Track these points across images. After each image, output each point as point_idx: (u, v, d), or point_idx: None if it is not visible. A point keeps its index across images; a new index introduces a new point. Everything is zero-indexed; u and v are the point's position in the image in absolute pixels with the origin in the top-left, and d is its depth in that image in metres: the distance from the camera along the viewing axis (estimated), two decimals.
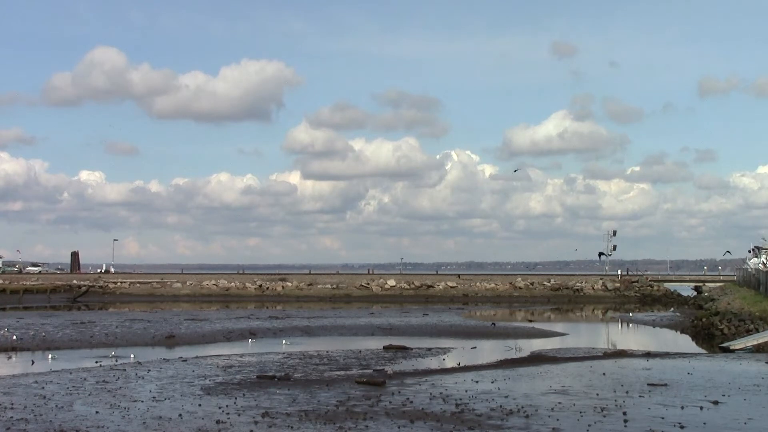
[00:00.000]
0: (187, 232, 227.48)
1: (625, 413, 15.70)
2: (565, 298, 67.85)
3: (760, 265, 60.41)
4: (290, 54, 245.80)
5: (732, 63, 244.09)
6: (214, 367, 23.39)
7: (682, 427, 14.58)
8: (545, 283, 71.24)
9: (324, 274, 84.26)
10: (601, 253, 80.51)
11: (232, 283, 72.03)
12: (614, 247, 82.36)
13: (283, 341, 32.20)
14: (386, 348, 29.12)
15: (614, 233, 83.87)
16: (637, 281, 71.04)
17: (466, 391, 18.51)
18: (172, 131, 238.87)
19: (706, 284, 71.24)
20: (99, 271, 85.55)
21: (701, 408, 16.46)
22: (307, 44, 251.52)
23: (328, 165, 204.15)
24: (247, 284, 71.95)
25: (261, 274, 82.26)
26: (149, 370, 22.53)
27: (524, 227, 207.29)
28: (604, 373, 21.71)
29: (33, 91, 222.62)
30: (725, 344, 30.06)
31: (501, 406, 16.37)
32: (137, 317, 44.61)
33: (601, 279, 71.86)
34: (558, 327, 41.80)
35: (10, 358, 26.97)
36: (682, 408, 16.42)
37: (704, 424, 14.92)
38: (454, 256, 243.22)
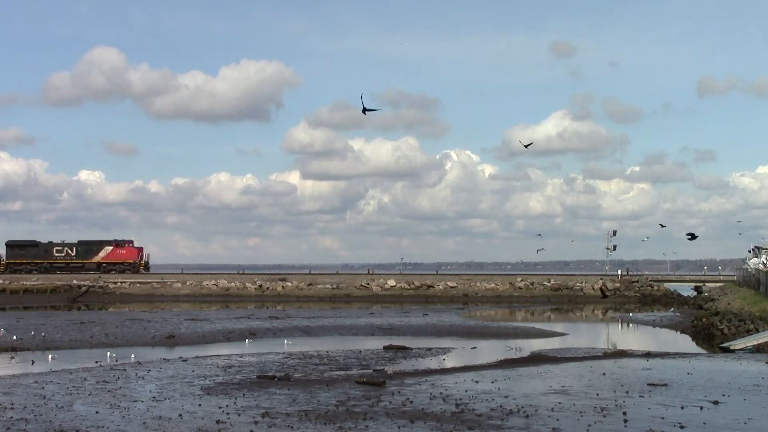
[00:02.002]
0: (187, 232, 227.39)
1: (625, 413, 15.71)
2: (565, 298, 67.85)
3: (760, 265, 60.36)
4: (290, 54, 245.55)
5: (731, 63, 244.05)
6: (214, 367, 23.40)
7: (682, 427, 14.59)
8: (545, 283, 71.23)
9: (324, 274, 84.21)
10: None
11: (232, 283, 72.03)
12: (614, 247, 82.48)
13: (285, 341, 32.21)
14: (386, 348, 29.13)
15: (614, 233, 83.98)
16: (637, 281, 71.03)
17: (466, 391, 18.52)
18: (172, 131, 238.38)
19: (706, 284, 71.20)
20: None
21: (701, 408, 16.46)
22: (307, 44, 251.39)
23: (327, 165, 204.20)
24: (247, 284, 71.94)
25: (261, 274, 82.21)
26: (149, 370, 22.54)
27: (524, 227, 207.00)
28: (604, 373, 21.72)
29: (32, 91, 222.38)
30: (725, 344, 30.06)
31: (501, 406, 16.38)
32: (137, 317, 44.62)
33: (601, 279, 71.85)
34: (558, 327, 41.80)
35: (11, 358, 26.95)
36: (682, 408, 16.42)
37: (704, 424, 14.93)
38: (454, 256, 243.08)
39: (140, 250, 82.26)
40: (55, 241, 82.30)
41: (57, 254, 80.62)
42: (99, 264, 79.78)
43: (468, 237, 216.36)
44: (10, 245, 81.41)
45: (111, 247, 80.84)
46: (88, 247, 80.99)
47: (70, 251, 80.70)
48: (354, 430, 14.26)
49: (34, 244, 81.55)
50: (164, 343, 31.68)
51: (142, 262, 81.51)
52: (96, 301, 66.67)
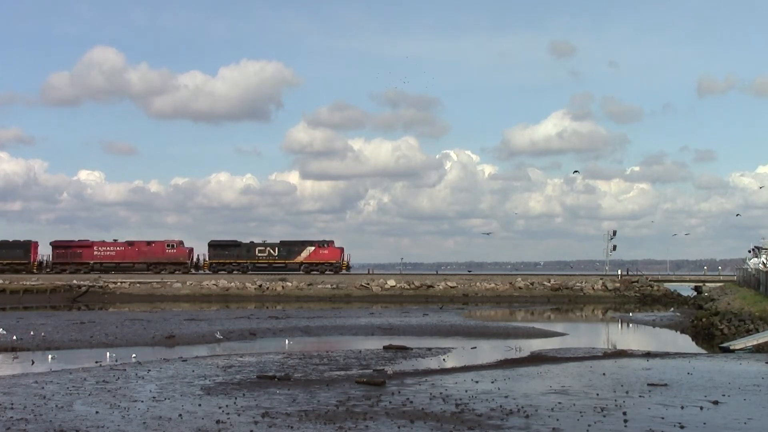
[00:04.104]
0: (187, 232, 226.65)
1: (625, 413, 15.72)
2: (565, 298, 67.87)
3: (760, 265, 60.36)
4: (290, 54, 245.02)
5: (731, 62, 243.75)
6: (214, 367, 23.41)
7: (682, 427, 14.60)
8: (545, 283, 71.21)
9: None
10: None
11: (232, 283, 72.03)
12: (614, 247, 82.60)
13: (285, 341, 32.23)
14: (386, 348, 29.14)
15: (614, 233, 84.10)
16: (637, 281, 71.06)
17: (466, 391, 18.53)
18: (171, 131, 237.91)
19: (706, 284, 71.21)
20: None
21: (701, 408, 16.47)
22: (306, 44, 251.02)
23: (327, 165, 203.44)
24: (247, 284, 71.94)
25: (261, 274, 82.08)
26: (149, 370, 22.55)
27: (524, 227, 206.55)
28: (604, 373, 21.73)
29: (31, 91, 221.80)
30: (725, 344, 30.07)
31: (501, 406, 16.38)
32: (137, 317, 44.62)
33: (601, 279, 71.85)
34: (558, 327, 41.80)
35: (11, 358, 26.93)
36: (682, 408, 16.43)
37: (704, 424, 14.94)
38: (454, 256, 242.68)
39: (342, 250, 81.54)
40: (256, 241, 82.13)
41: (259, 254, 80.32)
42: (301, 264, 79.57)
43: (468, 237, 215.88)
44: (213, 245, 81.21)
45: (313, 248, 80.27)
46: (291, 248, 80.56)
47: (272, 251, 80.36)
48: (354, 430, 14.26)
49: (236, 244, 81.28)
50: (164, 343, 31.68)
51: (344, 262, 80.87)
52: (96, 301, 66.70)
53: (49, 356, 26.20)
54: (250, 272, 78.43)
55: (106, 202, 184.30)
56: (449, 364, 24.86)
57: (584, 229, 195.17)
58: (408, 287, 70.36)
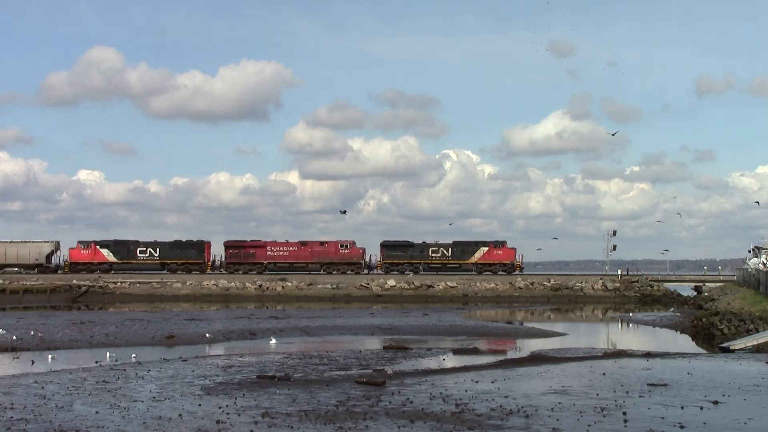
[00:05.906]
0: (186, 231, 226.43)
1: (625, 413, 15.73)
2: (565, 298, 67.87)
3: (760, 265, 60.33)
4: (289, 54, 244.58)
5: (729, 62, 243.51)
6: (214, 367, 23.41)
7: (682, 427, 14.60)
8: (545, 283, 71.22)
9: (324, 274, 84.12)
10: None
11: (232, 283, 72.00)
12: (614, 247, 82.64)
13: (285, 341, 32.24)
14: (386, 348, 29.15)
15: (614, 233, 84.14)
16: (637, 281, 71.06)
17: (466, 391, 18.53)
18: (171, 131, 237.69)
19: (706, 284, 71.20)
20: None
21: (701, 408, 16.48)
22: (306, 44, 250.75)
23: (326, 165, 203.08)
24: (247, 284, 71.91)
25: (261, 274, 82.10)
26: (149, 370, 22.55)
27: (524, 227, 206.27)
28: (604, 373, 21.74)
29: (30, 91, 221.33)
30: (725, 344, 30.08)
31: (501, 406, 16.39)
32: (137, 317, 44.61)
33: (601, 279, 71.87)
34: (558, 327, 41.79)
35: (11, 358, 26.93)
36: (682, 408, 16.44)
37: (704, 424, 14.94)
38: None
39: (515, 250, 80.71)
40: (428, 241, 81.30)
41: (432, 255, 79.66)
42: (475, 264, 78.91)
43: (468, 237, 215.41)
44: (386, 245, 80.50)
45: (487, 248, 79.52)
46: (464, 248, 79.83)
47: (445, 252, 79.63)
48: (354, 430, 14.26)
49: (409, 245, 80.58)
50: (164, 343, 31.68)
51: (518, 263, 79.88)
52: (96, 301, 66.63)
53: (49, 356, 26.16)
54: (423, 272, 77.70)
55: (106, 202, 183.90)
56: (449, 364, 24.86)
57: (584, 229, 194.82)
58: (408, 287, 70.35)
